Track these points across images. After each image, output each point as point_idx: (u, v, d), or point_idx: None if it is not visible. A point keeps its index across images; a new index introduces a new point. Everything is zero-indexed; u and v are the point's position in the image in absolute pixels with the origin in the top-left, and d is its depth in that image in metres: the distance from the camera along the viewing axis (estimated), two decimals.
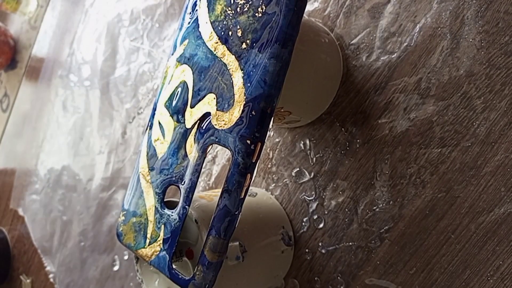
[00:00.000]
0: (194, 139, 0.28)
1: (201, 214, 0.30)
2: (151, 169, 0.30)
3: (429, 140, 0.29)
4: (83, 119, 0.63)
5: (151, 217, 0.29)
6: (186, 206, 0.27)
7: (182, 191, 0.27)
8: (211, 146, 0.27)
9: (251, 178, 0.25)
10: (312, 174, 0.35)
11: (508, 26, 0.27)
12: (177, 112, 0.29)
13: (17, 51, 0.83)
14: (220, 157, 0.43)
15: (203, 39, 0.29)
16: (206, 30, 0.28)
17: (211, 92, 0.27)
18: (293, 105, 0.32)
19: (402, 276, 0.30)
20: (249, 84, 0.25)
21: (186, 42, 0.30)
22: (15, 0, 0.79)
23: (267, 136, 0.26)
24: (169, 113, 0.30)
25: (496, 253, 0.27)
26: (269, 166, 0.38)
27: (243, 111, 0.25)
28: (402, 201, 0.30)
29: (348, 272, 0.33)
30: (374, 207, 0.32)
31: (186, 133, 0.28)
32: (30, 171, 0.72)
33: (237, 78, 0.26)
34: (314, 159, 0.35)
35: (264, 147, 0.32)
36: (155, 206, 0.29)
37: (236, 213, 0.25)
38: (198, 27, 0.29)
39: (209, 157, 0.44)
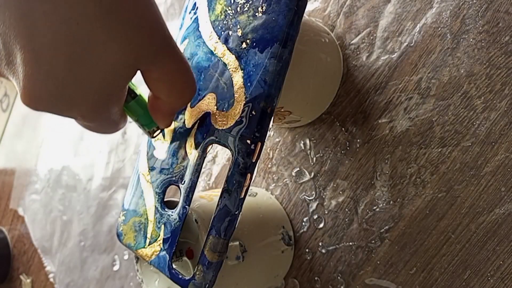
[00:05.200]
0: (194, 139, 0.28)
1: (201, 214, 0.30)
2: (151, 169, 0.30)
3: (429, 140, 0.29)
4: None
5: (151, 217, 0.29)
6: (186, 206, 0.27)
7: (182, 191, 0.27)
8: (211, 146, 0.27)
9: (251, 178, 0.25)
10: (312, 174, 0.35)
11: (508, 26, 0.27)
12: (177, 112, 0.29)
13: None
14: (220, 157, 0.43)
15: (203, 39, 0.29)
16: (206, 30, 0.28)
17: (211, 92, 0.27)
18: (293, 105, 0.32)
19: (402, 276, 0.30)
20: (249, 84, 0.25)
21: (186, 41, 0.30)
22: None
23: (267, 136, 0.26)
24: None
25: (497, 253, 0.27)
26: (269, 166, 0.38)
27: (243, 111, 0.25)
28: (402, 201, 0.30)
29: (348, 272, 0.33)
30: (374, 207, 0.31)
31: (186, 133, 0.28)
32: (30, 171, 0.72)
33: (237, 78, 0.26)
34: (314, 159, 0.35)
35: (264, 147, 0.32)
36: (155, 206, 0.29)
37: (236, 213, 0.25)
38: (198, 26, 0.29)
39: (209, 157, 0.44)
